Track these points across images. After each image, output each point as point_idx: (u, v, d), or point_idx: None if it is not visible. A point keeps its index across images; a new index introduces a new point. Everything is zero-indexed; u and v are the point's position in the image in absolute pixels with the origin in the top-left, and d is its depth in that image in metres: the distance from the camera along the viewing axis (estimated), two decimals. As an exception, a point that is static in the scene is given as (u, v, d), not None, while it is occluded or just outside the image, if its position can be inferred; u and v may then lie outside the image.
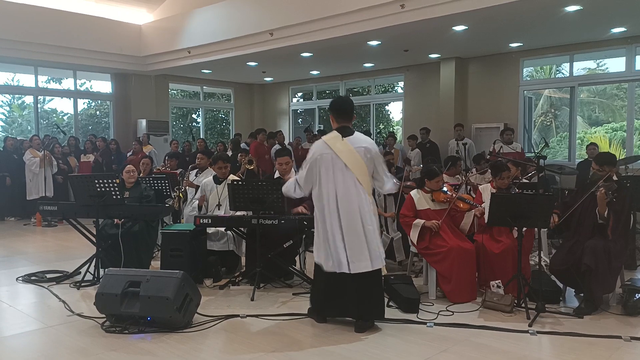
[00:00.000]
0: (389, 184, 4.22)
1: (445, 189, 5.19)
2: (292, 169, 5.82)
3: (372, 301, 4.08)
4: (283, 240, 5.21)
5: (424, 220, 4.99)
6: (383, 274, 4.16)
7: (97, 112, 16.77)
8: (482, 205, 5.12)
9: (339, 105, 4.21)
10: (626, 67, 10.00)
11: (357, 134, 4.15)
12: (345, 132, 4.09)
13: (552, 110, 16.49)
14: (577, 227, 4.67)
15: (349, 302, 4.07)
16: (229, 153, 10.01)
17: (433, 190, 5.16)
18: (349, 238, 3.97)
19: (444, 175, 6.98)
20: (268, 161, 10.74)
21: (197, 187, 6.57)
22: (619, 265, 4.56)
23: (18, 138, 11.35)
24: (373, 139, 11.68)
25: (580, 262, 4.38)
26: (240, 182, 5.21)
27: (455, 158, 7.36)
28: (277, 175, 5.82)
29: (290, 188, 4.35)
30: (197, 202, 5.93)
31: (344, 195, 3.99)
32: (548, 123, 16.61)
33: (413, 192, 5.25)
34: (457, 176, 7.05)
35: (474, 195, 5.69)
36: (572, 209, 4.58)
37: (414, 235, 5.01)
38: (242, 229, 5.45)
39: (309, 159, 4.16)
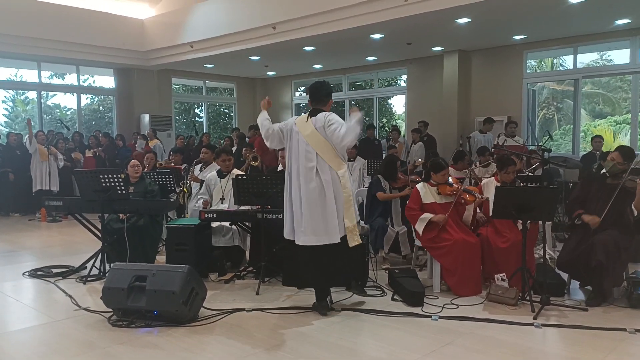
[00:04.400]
0: (343, 130, 4.12)
1: (450, 181, 5.18)
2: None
3: (339, 269, 4.38)
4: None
5: (431, 215, 4.98)
6: (351, 244, 4.24)
7: (100, 107, 16.80)
8: (485, 197, 5.12)
9: (312, 90, 4.43)
10: (630, 59, 9.96)
11: (319, 115, 4.28)
12: (312, 114, 4.31)
13: (555, 103, 16.43)
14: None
15: (321, 272, 4.29)
16: (234, 148, 10.03)
17: (439, 184, 5.15)
18: (307, 212, 4.15)
19: (452, 168, 7.01)
20: (272, 154, 10.74)
21: (201, 182, 6.58)
22: (627, 258, 4.57)
23: (22, 133, 11.34)
24: (376, 133, 11.73)
25: (589, 257, 4.37)
26: (244, 177, 5.23)
27: (462, 153, 7.35)
28: (280, 168, 5.83)
29: (265, 124, 4.47)
30: (202, 200, 5.93)
31: (306, 172, 4.18)
32: (550, 116, 16.55)
33: (419, 186, 5.25)
34: (465, 171, 7.06)
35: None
36: (609, 205, 4.46)
37: (419, 228, 5.00)
38: (246, 223, 5.47)
39: (283, 126, 4.39)
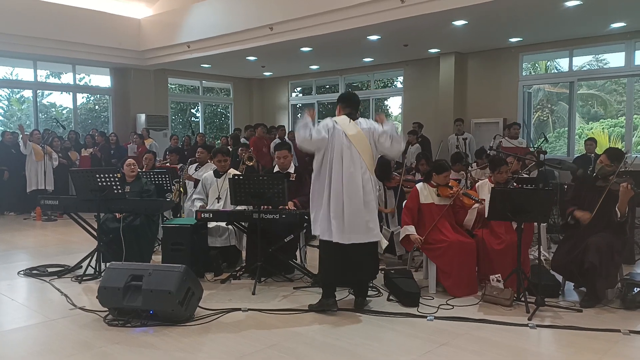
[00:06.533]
0: (396, 145, 4.38)
1: (450, 184, 5.21)
2: (292, 162, 5.84)
3: (367, 268, 4.43)
4: (284, 234, 5.23)
5: (412, 231, 5.00)
6: (380, 251, 4.49)
7: (96, 107, 16.73)
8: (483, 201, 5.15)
9: (347, 96, 4.57)
10: (625, 62, 10.02)
11: (361, 118, 4.44)
12: (352, 117, 4.39)
13: (549, 106, 16.50)
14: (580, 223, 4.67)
15: (350, 270, 4.34)
16: (229, 148, 10.01)
17: (439, 185, 5.17)
18: (349, 211, 4.19)
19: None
20: (267, 155, 10.75)
21: (196, 181, 6.58)
22: (620, 260, 4.59)
23: (17, 132, 11.30)
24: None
25: (582, 259, 4.39)
26: (240, 177, 5.23)
27: (460, 155, 7.38)
28: (276, 169, 5.84)
29: (306, 131, 4.27)
30: (198, 202, 5.92)
31: (350, 173, 4.22)
32: (545, 118, 16.61)
33: (419, 185, 5.27)
34: (462, 172, 7.08)
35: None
36: (597, 207, 4.50)
37: (402, 234, 5.11)
38: (243, 223, 5.47)
39: (325, 127, 4.31)
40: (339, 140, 4.26)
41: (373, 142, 4.34)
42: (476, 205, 5.10)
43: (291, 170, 5.70)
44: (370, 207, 4.27)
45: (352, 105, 4.47)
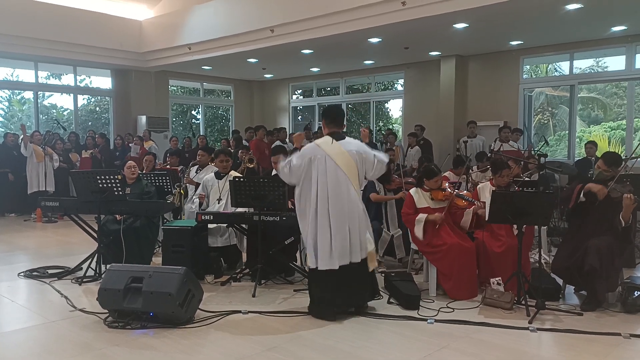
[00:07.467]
0: (380, 156, 4.46)
1: (443, 186, 5.21)
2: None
3: (363, 286, 4.38)
4: (284, 236, 5.23)
5: (426, 215, 5.00)
6: (371, 268, 4.40)
7: (97, 108, 16.75)
8: (481, 202, 5.14)
9: (332, 114, 4.50)
10: (626, 66, 10.03)
11: (347, 138, 4.43)
12: (337, 137, 4.37)
13: (550, 109, 16.51)
14: (581, 225, 4.67)
15: (343, 295, 4.29)
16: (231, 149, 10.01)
17: (432, 189, 5.18)
18: (335, 236, 4.19)
19: (451, 172, 7.03)
20: (268, 157, 10.75)
21: (197, 185, 6.58)
22: (620, 263, 4.59)
23: (18, 134, 11.31)
24: (373, 137, 11.78)
25: (583, 262, 4.39)
26: (241, 179, 5.24)
27: (462, 159, 7.38)
28: (274, 172, 5.84)
29: (285, 167, 4.39)
30: (197, 199, 5.94)
31: (335, 195, 4.22)
32: (545, 121, 16.61)
33: (412, 191, 5.27)
34: (464, 175, 7.08)
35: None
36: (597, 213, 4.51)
37: (418, 231, 5.01)
38: (243, 225, 5.47)
39: (303, 157, 4.33)
40: (322, 167, 4.24)
41: (361, 165, 4.35)
42: (471, 206, 5.10)
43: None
44: (357, 231, 4.25)
45: (336, 124, 4.44)
